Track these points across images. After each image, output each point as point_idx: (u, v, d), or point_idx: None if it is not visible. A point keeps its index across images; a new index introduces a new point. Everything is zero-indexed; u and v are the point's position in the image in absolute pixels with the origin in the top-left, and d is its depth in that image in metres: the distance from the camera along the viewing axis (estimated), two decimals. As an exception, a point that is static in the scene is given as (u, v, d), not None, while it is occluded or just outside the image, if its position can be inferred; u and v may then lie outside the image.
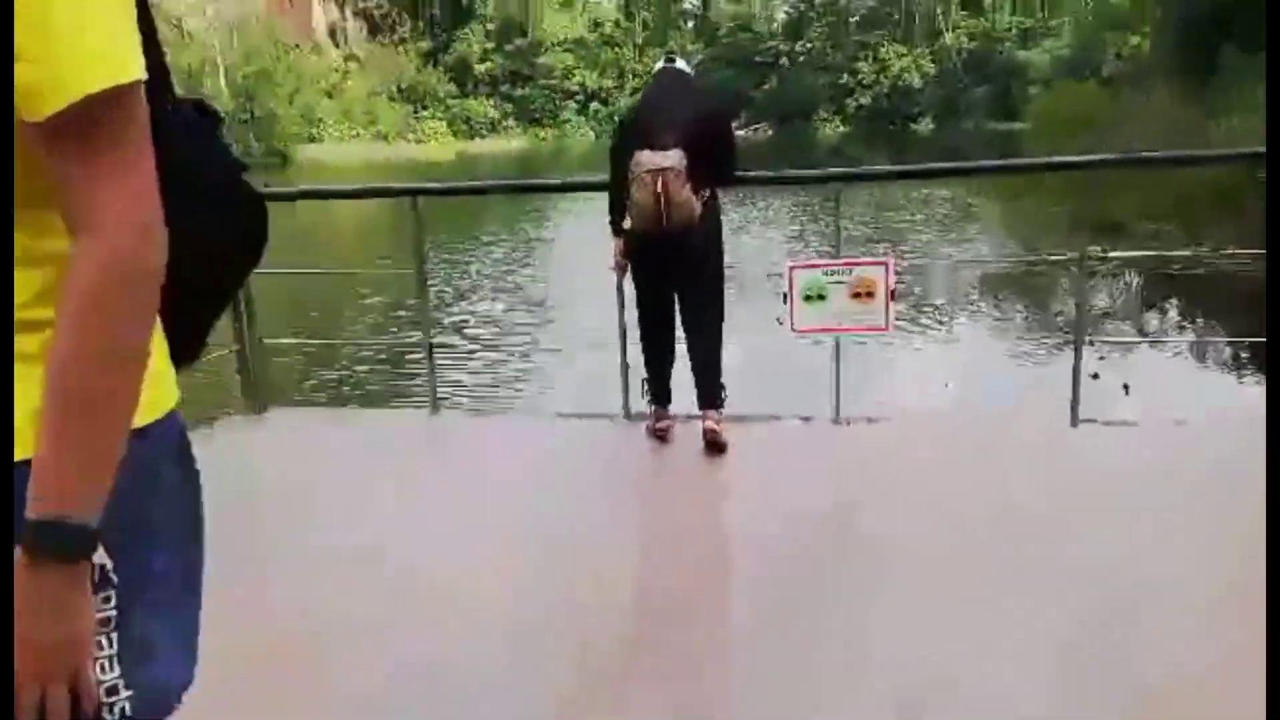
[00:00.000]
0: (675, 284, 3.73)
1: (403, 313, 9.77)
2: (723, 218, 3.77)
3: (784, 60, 75.75)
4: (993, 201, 18.82)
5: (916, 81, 73.03)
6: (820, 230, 16.31)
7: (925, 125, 69.18)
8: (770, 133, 66.45)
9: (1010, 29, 71.60)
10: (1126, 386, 5.77)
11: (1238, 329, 8.62)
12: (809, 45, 75.82)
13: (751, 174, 4.11)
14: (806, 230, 16.44)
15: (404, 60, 74.63)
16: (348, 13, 76.88)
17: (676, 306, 3.77)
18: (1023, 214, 16.40)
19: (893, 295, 3.73)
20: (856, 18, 78.01)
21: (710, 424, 3.69)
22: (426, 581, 2.81)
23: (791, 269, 3.80)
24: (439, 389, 4.49)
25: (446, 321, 9.59)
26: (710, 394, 3.73)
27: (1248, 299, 9.22)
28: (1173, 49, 27.75)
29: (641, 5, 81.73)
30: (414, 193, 4.24)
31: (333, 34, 75.34)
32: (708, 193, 3.60)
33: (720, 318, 3.76)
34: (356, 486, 3.57)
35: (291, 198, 5.17)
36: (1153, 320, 9.93)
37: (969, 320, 9.62)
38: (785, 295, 3.82)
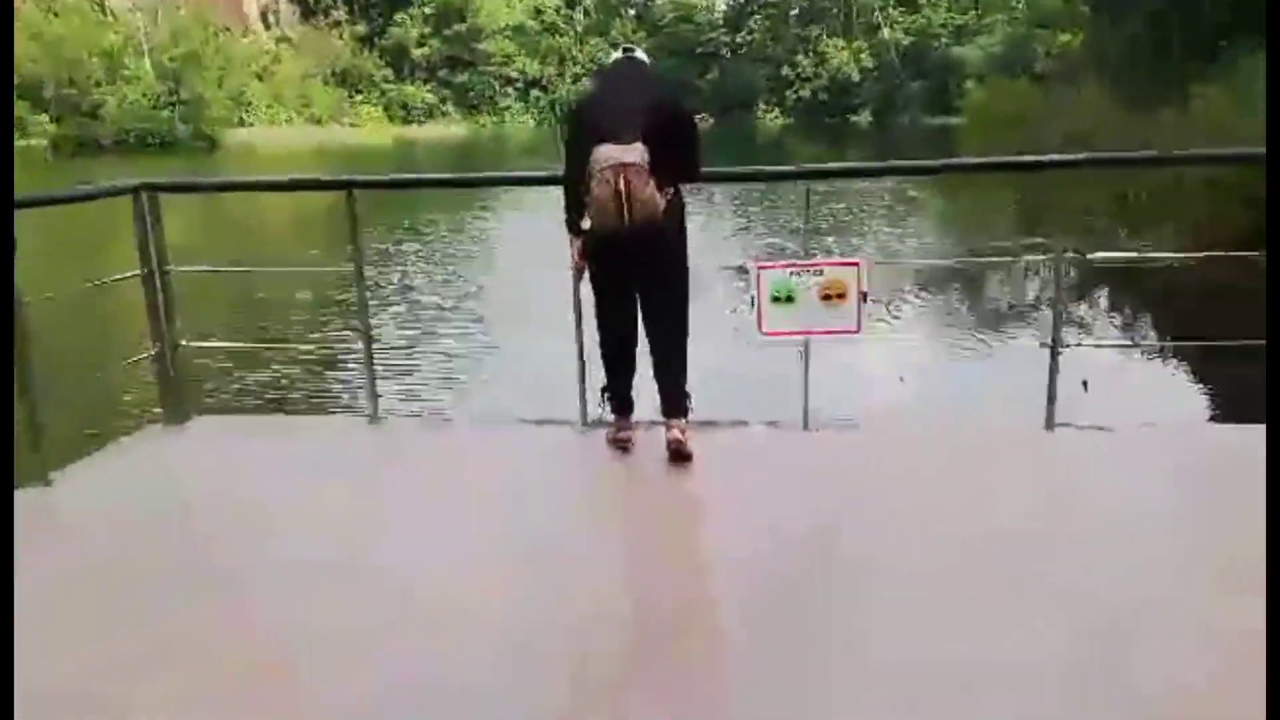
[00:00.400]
0: (637, 286, 3.48)
1: (335, 309, 9.30)
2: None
3: (725, 51, 75.98)
4: (934, 195, 18.91)
5: (855, 75, 73.84)
6: (768, 223, 16.23)
7: (864, 118, 69.94)
8: (711, 123, 66.63)
9: (945, 25, 72.76)
10: (1085, 383, 5.70)
11: (1171, 321, 8.71)
12: (750, 37, 76.08)
13: (723, 170, 3.88)
14: (754, 223, 16.34)
15: (338, 43, 72.90)
16: (280, -6, 74.77)
17: (638, 309, 3.53)
18: (964, 207, 16.51)
19: (864, 297, 3.54)
20: (796, 10, 78.51)
21: (675, 433, 3.46)
22: (376, 602, 2.60)
23: (759, 269, 3.59)
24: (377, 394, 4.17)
25: (384, 320, 9.18)
26: (675, 401, 3.51)
27: (1188, 293, 9.36)
28: (1105, 48, 28.28)
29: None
30: (348, 185, 3.92)
31: (264, 16, 73.25)
32: (671, 190, 3.37)
33: (685, 321, 3.53)
34: (292, 504, 3.27)
35: (217, 189, 4.80)
36: (1083, 312, 9.97)
37: (919, 316, 9.56)
38: (753, 299, 3.61)
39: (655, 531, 3.12)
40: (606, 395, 3.65)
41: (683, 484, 3.40)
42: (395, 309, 9.85)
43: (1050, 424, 3.64)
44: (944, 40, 71.25)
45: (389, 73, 74.44)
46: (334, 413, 6.21)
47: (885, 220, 16.50)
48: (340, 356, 7.37)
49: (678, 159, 3.39)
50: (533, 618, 2.50)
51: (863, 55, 74.62)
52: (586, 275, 3.55)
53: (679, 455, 3.44)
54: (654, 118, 3.33)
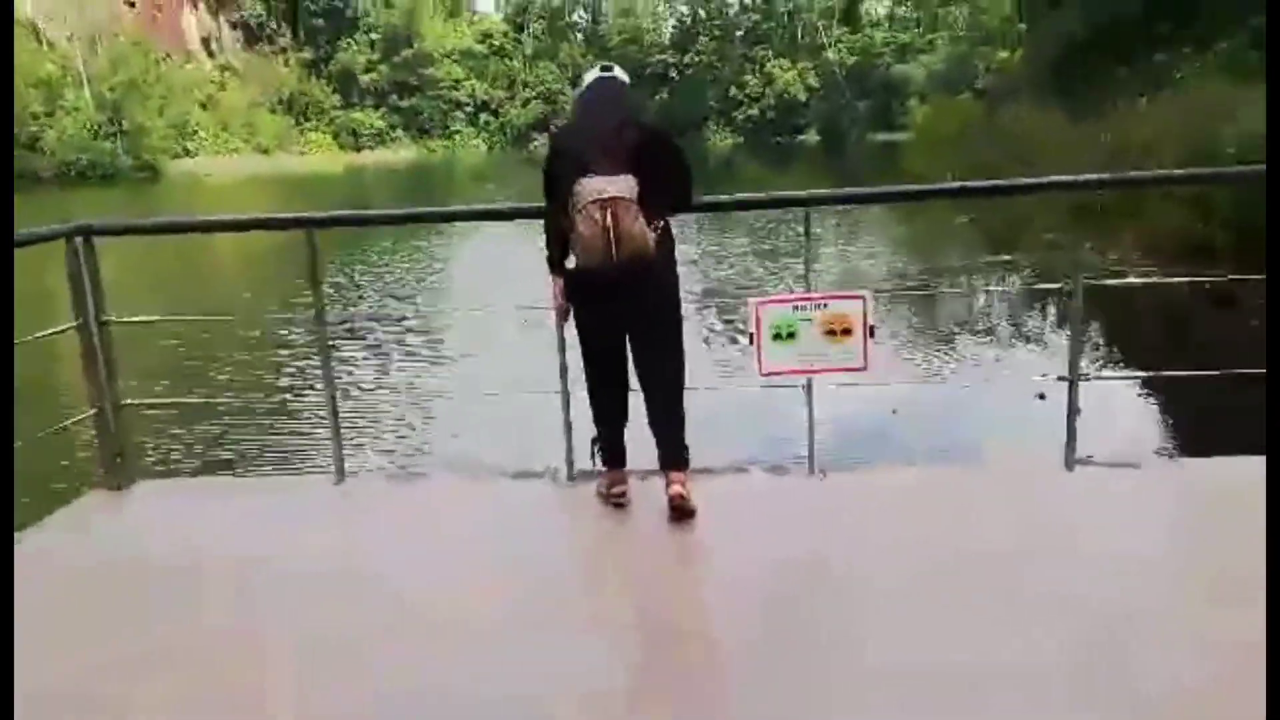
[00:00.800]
0: (627, 327, 3.21)
1: (287, 352, 8.73)
2: None
3: (673, 73, 76.49)
4: (885, 216, 18.72)
5: (802, 94, 74.78)
6: (724, 248, 15.96)
7: (811, 137, 70.64)
8: (664, 144, 66.52)
9: (888, 44, 74.06)
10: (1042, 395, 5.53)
11: (1121, 334, 8.60)
12: (697, 58, 76.66)
13: (719, 199, 3.63)
14: (707, 249, 16.04)
15: (284, 70, 71.98)
16: (222, 21, 73.72)
17: (628, 352, 3.26)
18: (920, 229, 16.42)
19: (872, 331, 3.31)
20: (741, 31, 79.37)
21: (677, 488, 3.18)
22: (350, 687, 2.34)
23: (759, 305, 3.34)
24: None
25: (343, 361, 8.59)
26: (675, 452, 3.23)
27: (1143, 309, 9.29)
28: (1044, 64, 28.79)
29: (531, 17, 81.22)
30: (307, 224, 3.59)
31: (206, 43, 72.11)
32: (660, 223, 3.10)
33: (680, 364, 3.26)
34: (253, 580, 2.94)
35: (161, 231, 4.45)
36: (1033, 324, 9.84)
37: (901, 345, 9.31)
38: (750, 335, 3.36)
39: (651, 585, 2.86)
40: (598, 447, 3.36)
41: (681, 537, 3.12)
42: (353, 348, 9.25)
43: (1070, 462, 3.42)
44: (887, 59, 72.47)
45: (337, 99, 73.68)
46: (293, 470, 5.74)
47: (844, 241, 16.33)
48: (295, 406, 6.83)
49: (668, 189, 3.14)
50: (485, 706, 2.26)
51: (808, 75, 75.70)
52: (572, 316, 3.27)
53: (682, 512, 3.15)
54: (640, 145, 3.08)
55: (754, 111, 75.06)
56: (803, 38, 77.98)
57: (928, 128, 40.35)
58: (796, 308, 3.33)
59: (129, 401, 3.71)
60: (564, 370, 3.50)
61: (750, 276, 12.86)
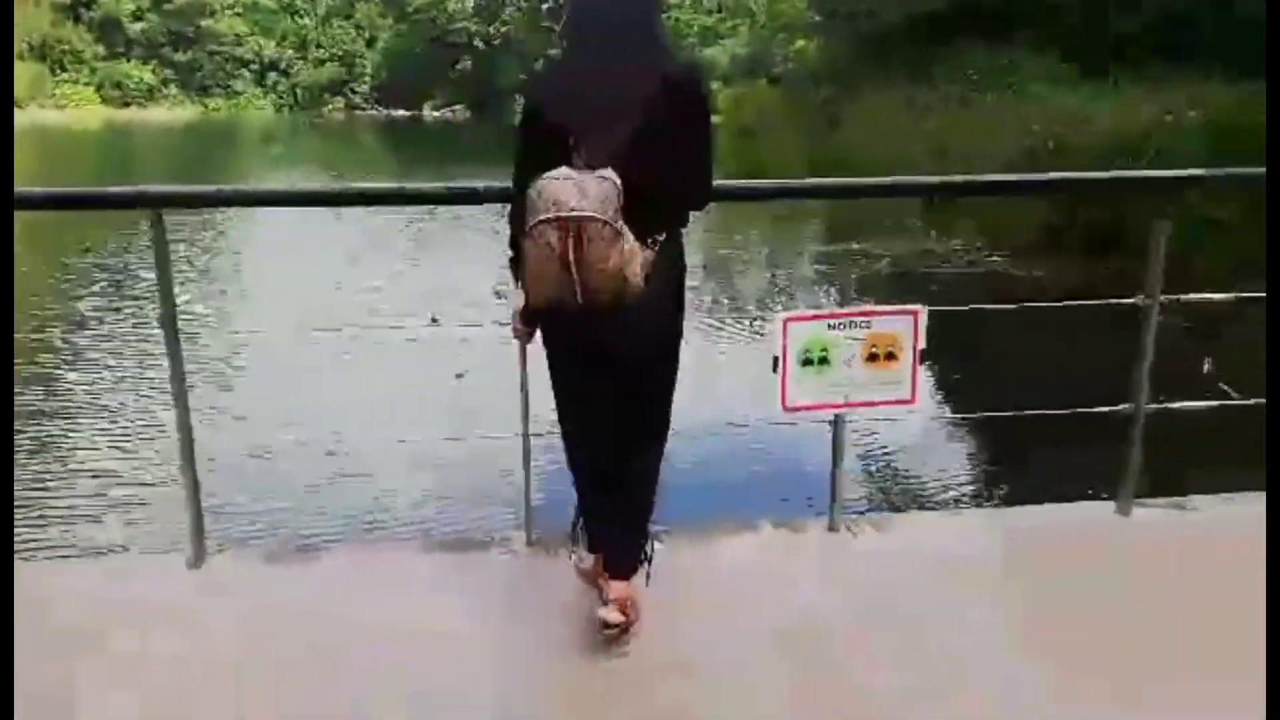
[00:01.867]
0: (608, 373, 2.24)
1: (67, 357, 6.85)
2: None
3: (478, 42, 74.39)
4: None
5: (607, 72, 74.80)
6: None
7: (617, 115, 70.66)
8: (468, 115, 65.28)
9: (692, 26, 75.32)
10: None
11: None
12: (502, 28, 74.75)
13: (741, 185, 2.84)
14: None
15: (36, 13, 63.64)
16: (-47, -50, 64.17)
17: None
18: (855, 209, 15.74)
19: (922, 357, 2.67)
20: (548, 4, 78.23)
21: (613, 611, 2.21)
22: None
23: (786, 322, 2.61)
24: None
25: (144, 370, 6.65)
26: (626, 554, 2.30)
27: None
28: (841, 54, 29.72)
29: (325, -27, 76.32)
30: (154, 203, 2.51)
31: (-67, -26, 62.56)
32: (661, 236, 2.13)
33: (663, 440, 2.35)
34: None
35: None
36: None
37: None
38: (775, 360, 2.62)
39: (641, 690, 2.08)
40: (581, 527, 2.41)
41: (680, 623, 2.35)
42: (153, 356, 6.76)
43: (1125, 508, 2.93)
44: (692, 41, 73.66)
45: (100, 49, 66.16)
46: (115, 548, 4.27)
47: (812, 233, 15.40)
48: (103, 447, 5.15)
49: (684, 179, 2.16)
50: None
51: (615, 52, 75.84)
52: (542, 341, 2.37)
53: (611, 625, 2.22)
54: (652, 108, 2.04)
55: (560, 87, 74.28)
56: (610, 14, 77.97)
57: (730, 113, 40.90)
58: (831, 325, 2.63)
59: None
60: (525, 411, 2.63)
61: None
